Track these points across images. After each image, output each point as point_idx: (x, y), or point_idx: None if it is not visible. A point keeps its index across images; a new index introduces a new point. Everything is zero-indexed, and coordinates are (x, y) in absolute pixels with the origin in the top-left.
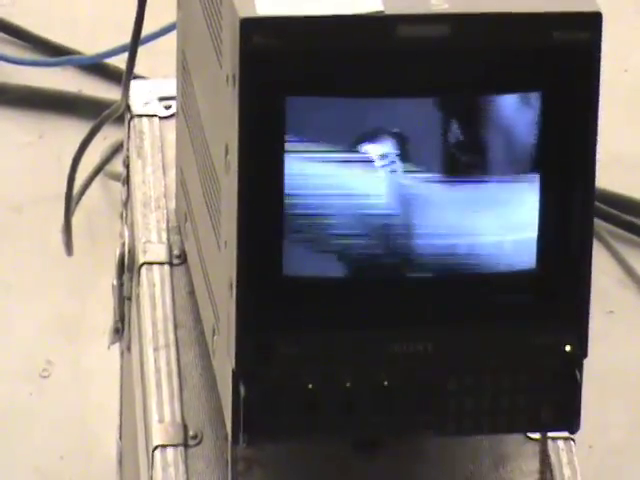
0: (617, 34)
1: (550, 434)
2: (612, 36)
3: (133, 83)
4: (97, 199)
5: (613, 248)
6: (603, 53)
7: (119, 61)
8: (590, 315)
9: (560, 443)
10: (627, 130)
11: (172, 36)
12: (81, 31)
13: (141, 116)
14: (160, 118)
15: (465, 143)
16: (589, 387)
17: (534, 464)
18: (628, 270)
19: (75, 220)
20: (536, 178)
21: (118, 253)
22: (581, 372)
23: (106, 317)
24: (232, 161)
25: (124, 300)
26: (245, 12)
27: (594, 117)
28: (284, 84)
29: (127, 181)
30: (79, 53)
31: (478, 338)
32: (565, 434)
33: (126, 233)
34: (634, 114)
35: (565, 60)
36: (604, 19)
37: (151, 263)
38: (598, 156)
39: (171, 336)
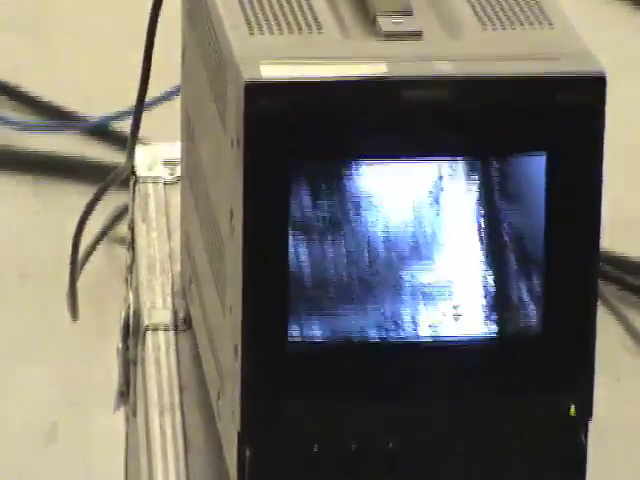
0: (622, 96)
1: None
2: (616, 98)
3: (137, 147)
4: (102, 263)
5: (618, 310)
6: (607, 115)
7: (123, 125)
8: (595, 378)
9: None
10: (632, 192)
11: (177, 100)
12: (85, 95)
13: (146, 180)
14: (165, 182)
15: (467, 206)
16: (594, 450)
17: None
18: (633, 332)
19: (80, 284)
20: (541, 240)
21: (123, 317)
22: (586, 434)
23: (111, 381)
24: (237, 225)
25: (129, 364)
26: (250, 75)
27: (599, 179)
28: (289, 148)
29: (132, 245)
30: (83, 117)
31: (482, 402)
32: None
33: (131, 297)
34: (639, 176)
35: (569, 122)
36: (609, 81)
37: (156, 327)
38: (603, 218)
39: (176, 400)
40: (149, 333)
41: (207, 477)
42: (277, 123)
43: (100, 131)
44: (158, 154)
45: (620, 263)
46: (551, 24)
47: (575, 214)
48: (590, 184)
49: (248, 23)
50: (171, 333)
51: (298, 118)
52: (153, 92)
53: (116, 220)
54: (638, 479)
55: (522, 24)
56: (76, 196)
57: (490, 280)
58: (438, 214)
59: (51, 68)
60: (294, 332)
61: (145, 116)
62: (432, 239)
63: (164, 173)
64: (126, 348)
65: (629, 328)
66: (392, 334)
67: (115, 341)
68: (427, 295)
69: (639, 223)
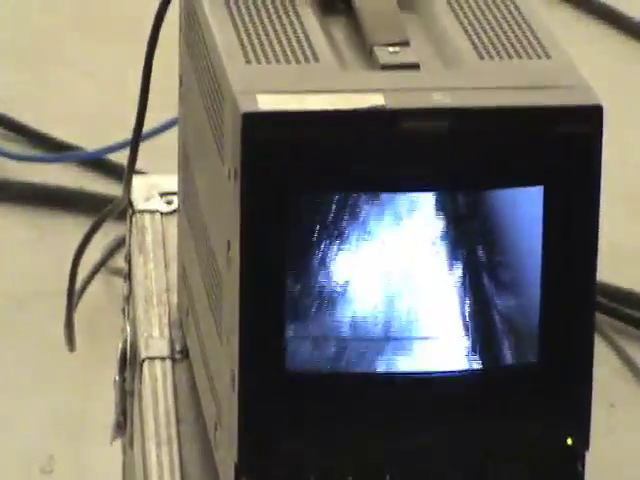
0: (617, 127)
1: None
2: (612, 129)
3: (134, 179)
4: (99, 295)
5: (614, 341)
6: (603, 147)
7: (120, 157)
8: (591, 408)
9: None
10: (628, 223)
11: (173, 132)
12: (82, 127)
13: (143, 212)
14: (162, 214)
15: (465, 238)
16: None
17: None
18: (629, 363)
19: (77, 316)
20: (537, 272)
21: (120, 348)
22: (583, 465)
23: (108, 412)
24: (234, 257)
25: (126, 395)
26: (247, 107)
27: (595, 210)
28: (286, 179)
29: (129, 276)
30: (80, 149)
31: (479, 432)
32: None
33: (128, 328)
34: (635, 207)
35: (566, 154)
36: (604, 112)
37: (153, 358)
38: (599, 249)
39: (173, 431)
40: (146, 364)
41: None
42: (274, 154)
43: (98, 163)
44: (155, 186)
45: (612, 293)
46: (548, 55)
47: (572, 245)
48: (587, 214)
49: (245, 53)
50: (168, 364)
51: (295, 149)
52: (151, 124)
53: (113, 252)
54: None
55: (519, 55)
56: (74, 228)
57: (486, 312)
58: (435, 246)
59: (49, 100)
60: (292, 362)
61: (142, 148)
62: (430, 273)
63: (161, 205)
64: (123, 379)
65: (622, 355)
66: (390, 366)
67: (112, 372)
68: (422, 329)
69: (633, 254)
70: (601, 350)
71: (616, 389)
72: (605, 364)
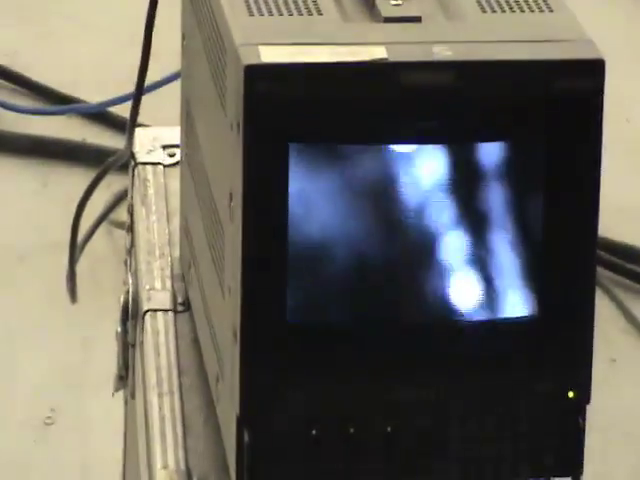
0: (619, 83)
1: None
2: (614, 85)
3: (137, 131)
4: (101, 247)
5: (615, 296)
6: (605, 102)
7: (123, 109)
8: (592, 362)
9: None
10: (630, 179)
11: (176, 84)
12: (85, 80)
13: (145, 164)
14: (164, 166)
15: (467, 191)
16: (591, 434)
17: None
18: (630, 318)
19: (79, 268)
20: (539, 226)
21: (122, 300)
22: (584, 418)
23: (110, 364)
24: (236, 208)
25: (128, 347)
26: (249, 59)
27: (597, 165)
28: (288, 131)
29: (131, 228)
30: (83, 101)
31: (480, 385)
32: None
33: (130, 280)
34: (636, 163)
35: (568, 108)
36: (606, 66)
37: (155, 310)
38: (601, 204)
39: (175, 383)
40: (148, 316)
41: (205, 460)
42: (276, 106)
43: (101, 115)
44: (158, 138)
45: (614, 248)
46: (551, 10)
47: (574, 198)
48: (589, 169)
49: (247, 5)
50: (170, 316)
51: (297, 101)
52: (154, 77)
53: (116, 204)
54: (632, 460)
55: (522, 9)
56: (76, 180)
57: (488, 265)
58: (436, 199)
59: (52, 53)
60: (293, 314)
61: (145, 100)
62: (431, 225)
63: (164, 157)
64: (125, 331)
65: (624, 311)
66: (392, 317)
67: (114, 324)
68: (426, 277)
69: (634, 209)
70: (604, 306)
71: (618, 344)
72: (608, 320)
